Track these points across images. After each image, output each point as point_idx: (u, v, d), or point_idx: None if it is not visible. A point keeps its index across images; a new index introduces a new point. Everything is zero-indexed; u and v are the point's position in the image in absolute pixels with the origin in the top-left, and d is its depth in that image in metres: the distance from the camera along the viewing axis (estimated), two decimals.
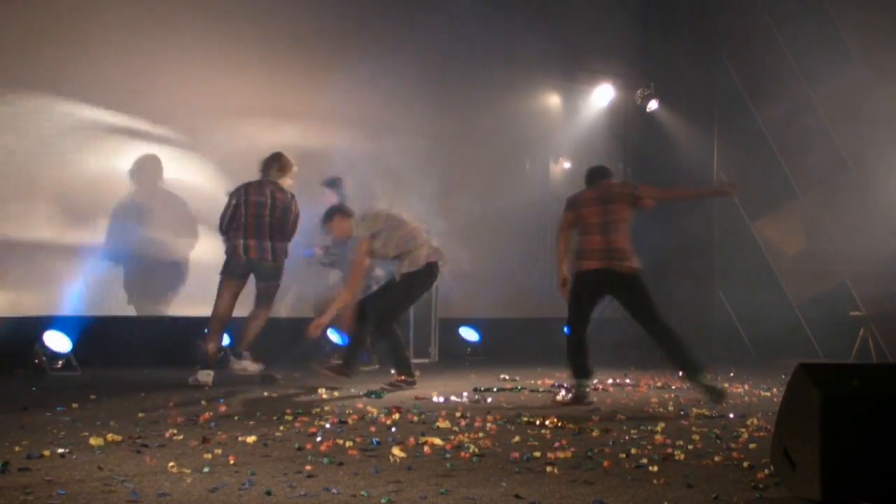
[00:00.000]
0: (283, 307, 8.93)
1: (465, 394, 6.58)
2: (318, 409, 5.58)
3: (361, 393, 6.49)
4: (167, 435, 4.48)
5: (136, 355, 7.85)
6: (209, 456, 3.95)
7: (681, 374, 6.08)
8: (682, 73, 11.78)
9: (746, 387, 7.50)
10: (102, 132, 7.97)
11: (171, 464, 3.71)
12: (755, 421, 5.42)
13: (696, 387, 6.06)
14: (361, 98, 9.45)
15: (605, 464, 3.93)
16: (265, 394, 6.37)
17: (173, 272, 8.33)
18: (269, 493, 3.28)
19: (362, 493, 3.32)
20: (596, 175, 6.41)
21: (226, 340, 8.31)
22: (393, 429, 4.87)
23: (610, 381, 7.63)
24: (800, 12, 10.90)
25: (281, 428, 4.80)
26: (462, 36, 10.31)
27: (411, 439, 4.42)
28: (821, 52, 10.64)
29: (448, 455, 4.11)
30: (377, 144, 9.25)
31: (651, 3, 12.08)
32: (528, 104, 11.17)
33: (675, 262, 11.85)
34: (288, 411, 5.42)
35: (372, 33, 9.67)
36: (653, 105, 11.61)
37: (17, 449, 3.99)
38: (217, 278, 7.18)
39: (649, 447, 4.44)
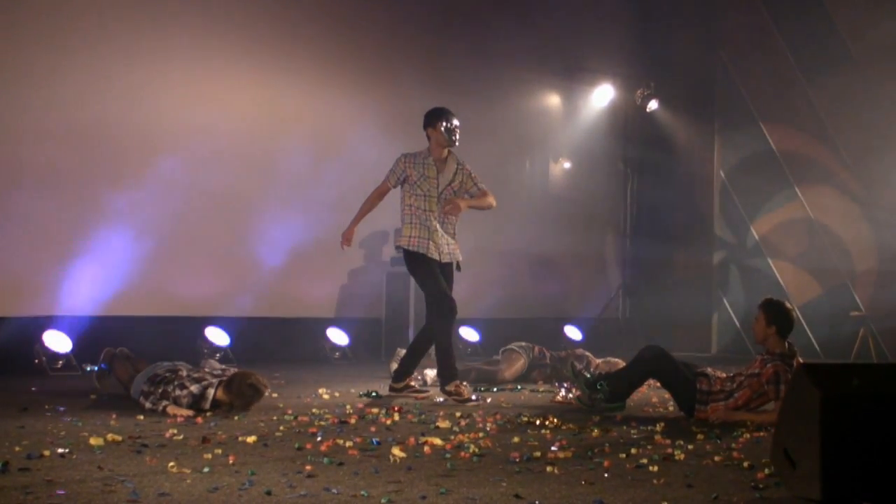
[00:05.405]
0: (283, 307, 8.94)
1: None
2: (318, 409, 5.57)
3: (361, 393, 6.49)
4: (167, 435, 4.48)
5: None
6: (209, 456, 3.95)
7: None
8: (682, 73, 11.78)
9: None
10: (103, 132, 7.96)
11: (171, 464, 3.71)
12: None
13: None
14: (361, 98, 9.46)
15: (606, 464, 3.93)
16: (266, 394, 6.36)
17: (174, 272, 8.33)
18: (269, 493, 3.28)
19: (362, 493, 3.32)
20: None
21: (226, 340, 8.34)
22: (393, 429, 4.87)
23: None
24: (800, 12, 10.89)
25: (281, 428, 4.80)
26: (461, 36, 10.31)
27: (411, 439, 4.42)
28: (821, 52, 10.64)
29: (448, 455, 4.11)
30: (377, 145, 9.24)
31: (651, 3, 12.08)
32: (528, 104, 11.16)
33: (676, 261, 11.86)
34: (288, 411, 5.42)
35: (371, 33, 9.67)
36: (653, 105, 11.60)
37: (17, 449, 3.99)
38: (214, 278, 7.17)
39: (649, 447, 4.43)
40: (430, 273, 6.33)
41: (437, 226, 6.37)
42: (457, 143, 6.45)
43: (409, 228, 6.37)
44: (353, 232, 6.55)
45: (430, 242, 6.32)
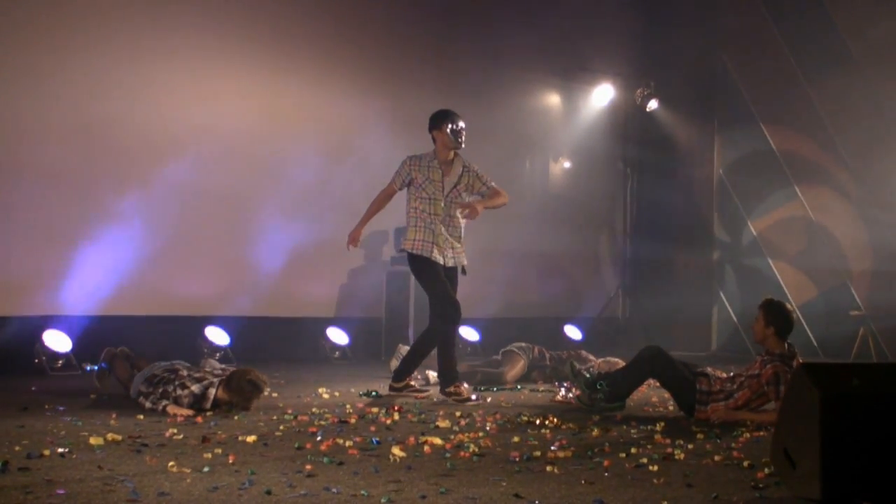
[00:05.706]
0: (283, 307, 8.93)
1: None
2: (318, 409, 5.58)
3: (361, 393, 6.49)
4: (167, 434, 4.49)
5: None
6: (209, 455, 3.95)
7: None
8: (682, 73, 11.76)
9: None
10: (104, 132, 7.96)
11: (171, 463, 3.72)
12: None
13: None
14: (363, 99, 9.46)
15: (605, 463, 3.93)
16: (266, 393, 6.36)
17: (174, 272, 8.33)
18: (269, 493, 3.28)
19: (362, 492, 3.32)
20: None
21: (226, 340, 8.33)
22: (393, 428, 4.87)
23: None
24: (800, 12, 10.89)
25: (281, 427, 4.81)
26: (462, 37, 10.30)
27: (411, 439, 4.43)
28: (821, 52, 10.63)
29: (448, 455, 4.11)
30: (379, 146, 9.24)
31: (651, 3, 12.07)
32: (528, 103, 11.16)
33: (676, 261, 11.86)
34: (288, 411, 5.43)
35: (373, 34, 9.67)
36: (652, 105, 11.59)
37: (17, 448, 4.00)
38: (214, 278, 7.16)
39: (649, 447, 4.44)
40: (434, 276, 6.32)
41: (443, 229, 6.36)
42: (463, 146, 6.44)
43: (413, 231, 6.36)
44: (361, 233, 6.54)
45: (434, 246, 6.32)
